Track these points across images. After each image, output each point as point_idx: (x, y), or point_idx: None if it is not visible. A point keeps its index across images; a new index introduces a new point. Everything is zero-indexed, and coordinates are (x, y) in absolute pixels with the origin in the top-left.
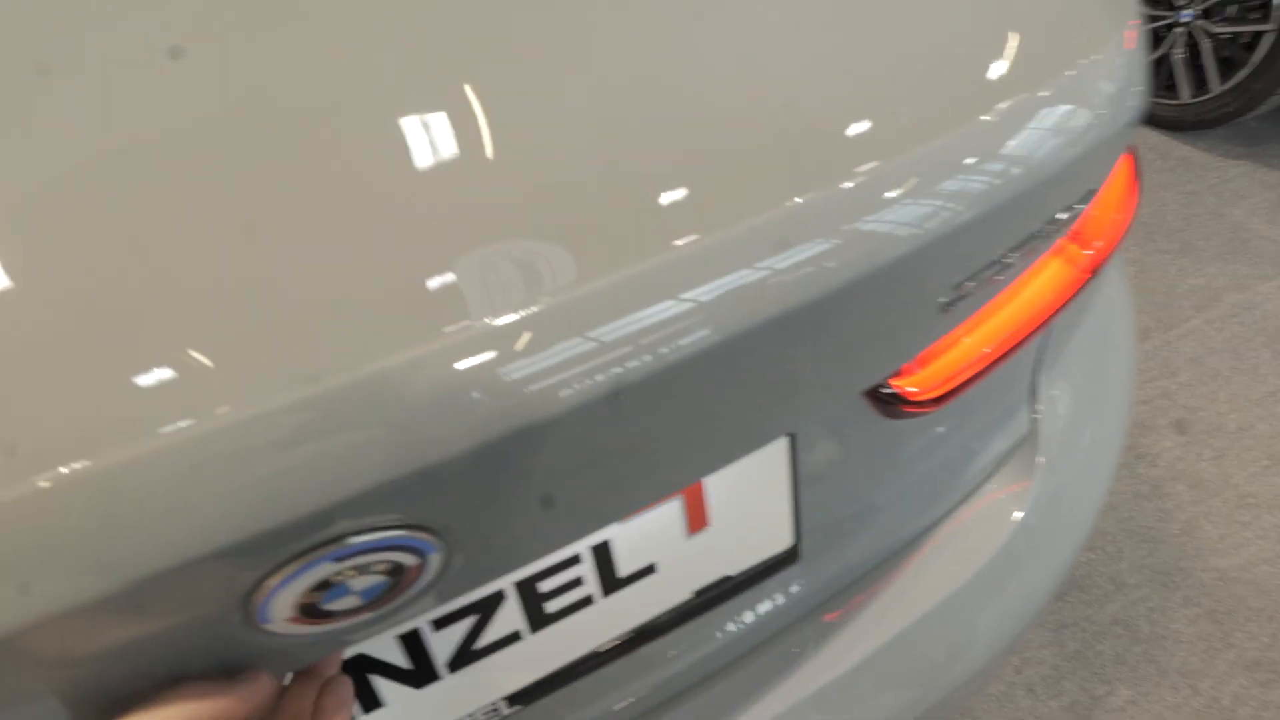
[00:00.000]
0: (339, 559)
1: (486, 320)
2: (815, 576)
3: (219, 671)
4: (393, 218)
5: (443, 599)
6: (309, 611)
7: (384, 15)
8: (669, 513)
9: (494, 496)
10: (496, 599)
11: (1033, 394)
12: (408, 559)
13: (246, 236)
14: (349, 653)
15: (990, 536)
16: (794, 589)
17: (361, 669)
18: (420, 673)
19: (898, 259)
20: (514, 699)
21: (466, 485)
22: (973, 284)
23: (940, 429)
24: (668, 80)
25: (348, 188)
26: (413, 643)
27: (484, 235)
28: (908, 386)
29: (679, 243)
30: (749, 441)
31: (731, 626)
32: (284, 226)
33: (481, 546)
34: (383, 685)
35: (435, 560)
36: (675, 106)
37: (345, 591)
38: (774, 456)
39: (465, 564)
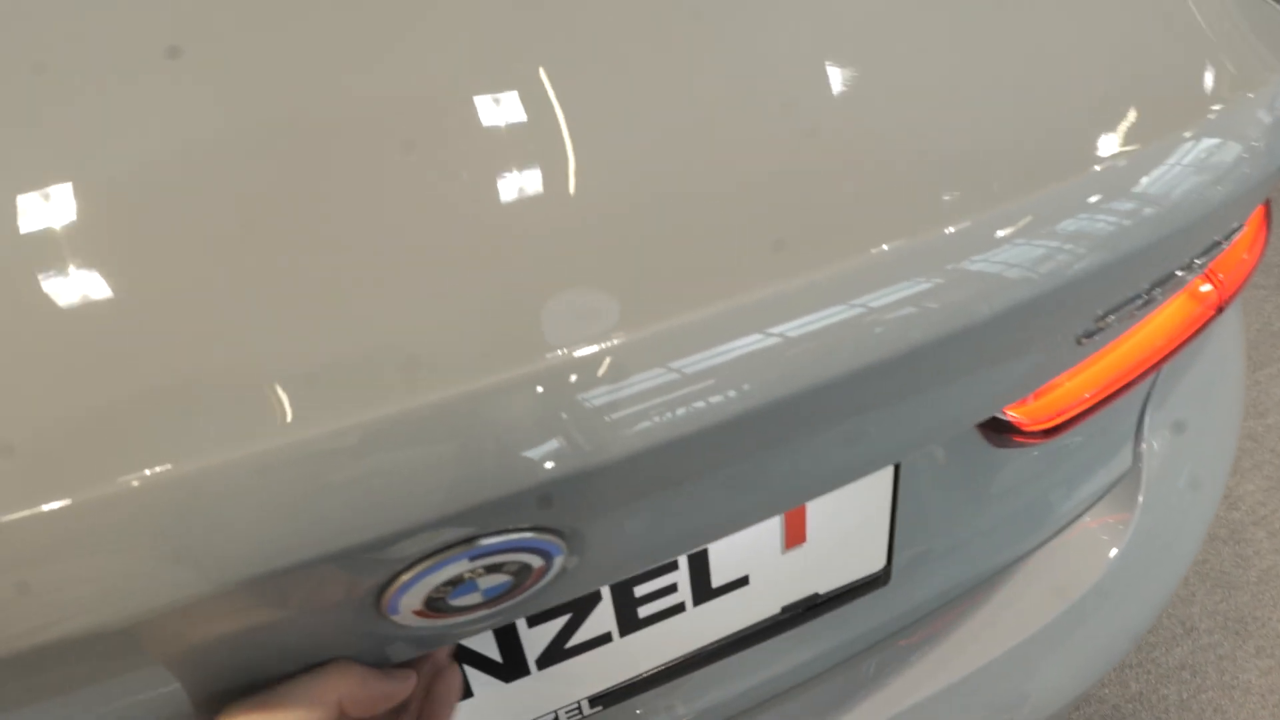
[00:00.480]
0: (473, 558)
1: (630, 335)
2: (902, 600)
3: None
4: (552, 228)
5: (552, 599)
6: (434, 606)
7: (486, 19)
8: (768, 527)
9: (621, 507)
10: (592, 600)
11: (1139, 429)
12: (535, 560)
13: (406, 236)
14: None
15: (1083, 572)
16: (879, 611)
17: (457, 658)
18: (511, 667)
19: (1053, 289)
20: (596, 700)
21: (599, 494)
22: (1114, 317)
23: (1044, 460)
24: (805, 101)
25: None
26: (507, 637)
27: (621, 248)
28: (1020, 416)
29: (820, 272)
30: (862, 469)
31: (813, 645)
32: (447, 223)
33: (601, 553)
34: (473, 676)
35: (559, 563)
36: (816, 130)
37: (472, 589)
38: (878, 481)
39: (581, 567)
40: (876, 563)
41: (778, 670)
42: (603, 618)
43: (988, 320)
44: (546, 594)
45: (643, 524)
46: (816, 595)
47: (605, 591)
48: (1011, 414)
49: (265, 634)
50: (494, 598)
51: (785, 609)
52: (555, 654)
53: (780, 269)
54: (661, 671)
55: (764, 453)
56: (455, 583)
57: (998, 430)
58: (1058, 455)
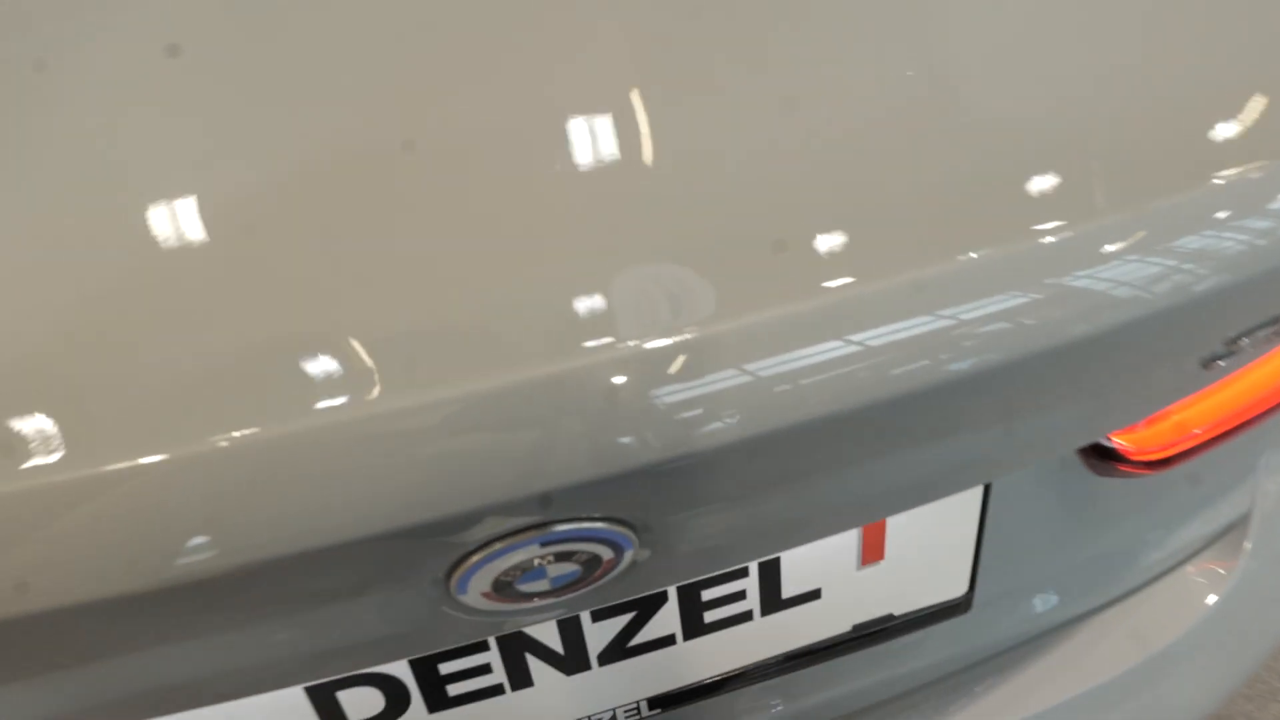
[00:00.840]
0: (545, 544)
1: (714, 328)
2: (983, 631)
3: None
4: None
5: (620, 595)
6: (502, 589)
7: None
8: (844, 540)
9: (695, 504)
10: (659, 600)
11: (1253, 471)
12: (605, 551)
13: (502, 216)
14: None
15: (1176, 617)
16: (956, 641)
17: (520, 646)
18: (572, 660)
19: (1169, 309)
20: (655, 702)
21: (675, 489)
22: (1247, 341)
23: (1150, 494)
24: (940, 93)
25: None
26: (571, 630)
27: (732, 238)
28: (1128, 444)
29: (923, 270)
30: (948, 487)
31: (882, 669)
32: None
33: (672, 550)
34: (535, 665)
35: (629, 556)
36: (947, 122)
37: (541, 575)
38: (966, 501)
39: (651, 563)
40: (958, 588)
41: (843, 691)
42: (668, 619)
43: (1093, 337)
44: (614, 588)
45: (716, 525)
46: (891, 616)
47: (672, 592)
48: (1118, 440)
49: (340, 604)
50: (562, 586)
51: (856, 628)
52: (617, 651)
53: (874, 269)
54: (724, 680)
55: (847, 461)
56: (525, 568)
57: (1101, 457)
58: (1166, 490)
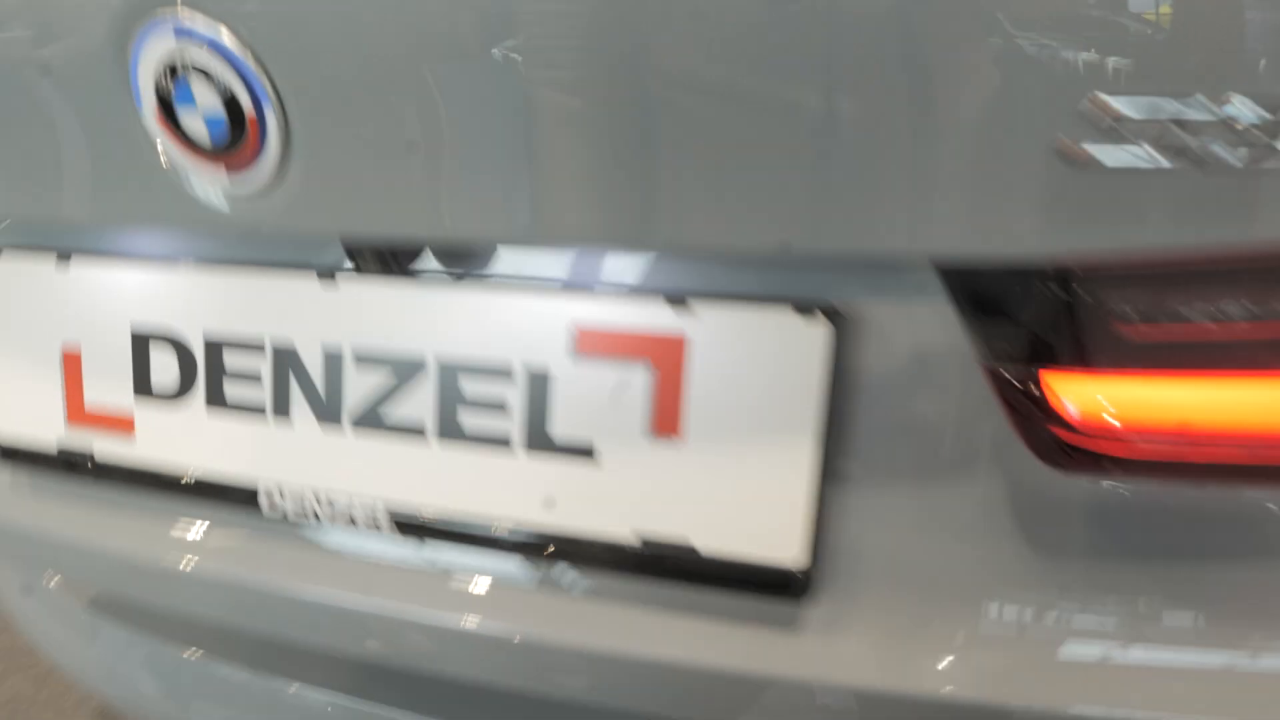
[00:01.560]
0: (179, 34)
1: None
2: (819, 657)
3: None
4: None
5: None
6: (170, 114)
7: None
8: (633, 385)
9: (338, 74)
10: (417, 366)
11: None
12: (242, 94)
13: None
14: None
15: None
16: (775, 655)
17: (288, 365)
18: (329, 407)
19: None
20: (399, 522)
21: (313, 41)
22: (1116, 119)
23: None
24: None
25: None
26: (334, 371)
27: None
28: (1075, 408)
29: None
30: (748, 244)
31: (681, 668)
32: None
33: (320, 148)
34: (296, 399)
35: (271, 123)
36: None
37: (190, 100)
38: (796, 361)
39: (304, 184)
40: (788, 549)
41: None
42: (423, 395)
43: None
44: (275, 191)
45: (385, 139)
46: (691, 550)
47: (431, 362)
48: (1061, 396)
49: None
50: (219, 145)
51: (646, 543)
52: (371, 418)
53: None
54: (470, 530)
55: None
56: (175, 73)
57: (1035, 418)
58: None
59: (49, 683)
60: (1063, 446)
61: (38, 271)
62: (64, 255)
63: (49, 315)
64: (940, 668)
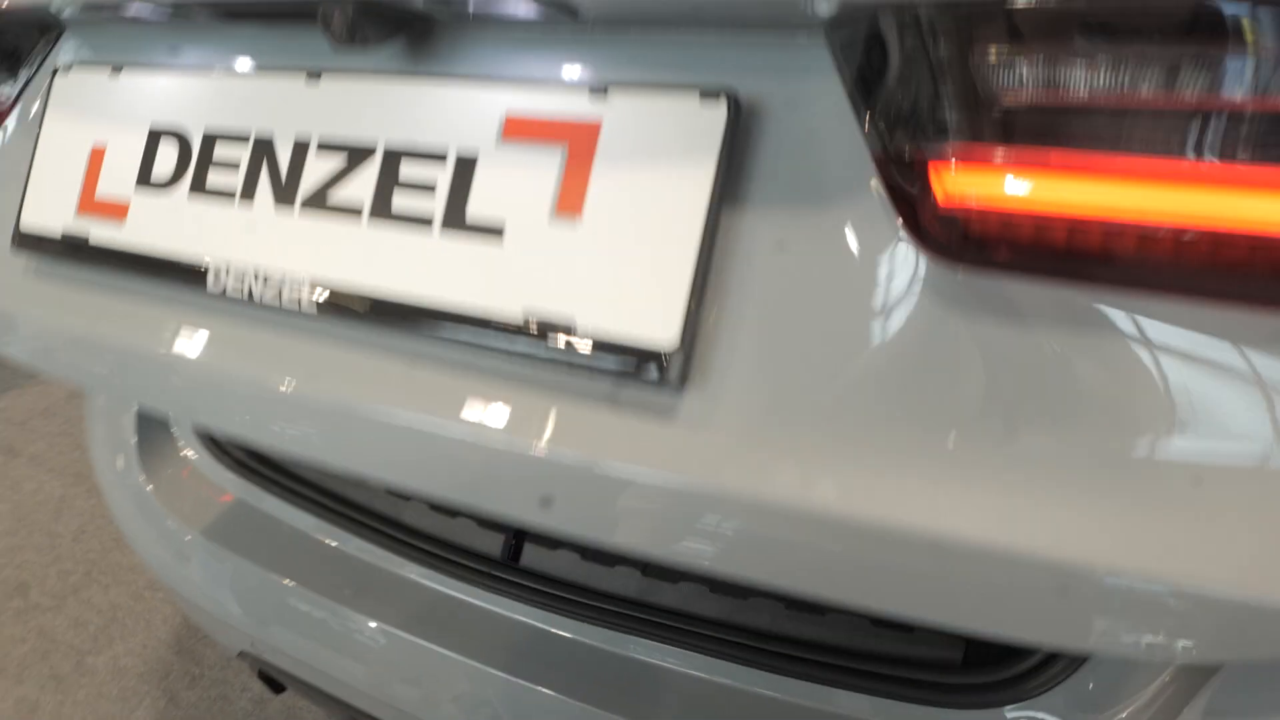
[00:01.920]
0: None
1: None
2: (696, 460)
3: None
4: None
5: None
6: None
7: None
8: (544, 166)
9: None
10: (368, 152)
11: None
12: None
13: None
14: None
15: None
16: (648, 446)
17: (262, 154)
18: (287, 190)
19: None
20: (324, 305)
21: None
22: None
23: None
24: None
25: None
26: (298, 158)
27: None
28: (945, 178)
29: None
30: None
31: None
32: None
33: None
34: (263, 184)
35: None
36: None
37: None
38: (693, 144)
39: None
40: (665, 325)
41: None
42: (367, 179)
43: None
44: None
45: None
46: (572, 328)
47: (380, 149)
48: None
49: None
50: None
51: (529, 316)
52: (319, 199)
53: None
54: (378, 311)
55: None
56: None
57: (903, 185)
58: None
59: (145, 598)
60: (947, 230)
61: (94, 81)
62: (117, 68)
63: (93, 120)
64: (806, 475)
